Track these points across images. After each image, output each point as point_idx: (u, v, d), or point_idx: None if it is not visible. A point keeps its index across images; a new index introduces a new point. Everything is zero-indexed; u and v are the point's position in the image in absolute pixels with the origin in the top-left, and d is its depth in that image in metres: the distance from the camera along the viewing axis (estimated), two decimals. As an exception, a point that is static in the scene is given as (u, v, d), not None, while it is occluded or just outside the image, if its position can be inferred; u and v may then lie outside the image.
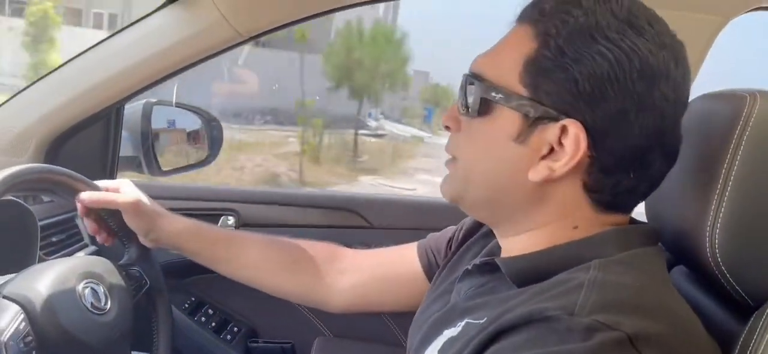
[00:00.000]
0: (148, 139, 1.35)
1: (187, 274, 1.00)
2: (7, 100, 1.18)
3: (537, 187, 0.60)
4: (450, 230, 0.89)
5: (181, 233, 0.94)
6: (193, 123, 1.49)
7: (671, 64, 0.57)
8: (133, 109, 1.32)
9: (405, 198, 1.42)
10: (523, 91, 0.59)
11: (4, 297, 0.75)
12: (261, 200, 1.33)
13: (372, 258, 0.97)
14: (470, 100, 0.62)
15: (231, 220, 1.30)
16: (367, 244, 1.29)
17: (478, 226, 0.82)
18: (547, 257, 0.61)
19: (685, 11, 0.83)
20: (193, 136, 1.50)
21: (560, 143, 0.58)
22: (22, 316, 0.73)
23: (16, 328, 0.72)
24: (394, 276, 0.93)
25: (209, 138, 1.47)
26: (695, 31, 0.63)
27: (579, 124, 0.56)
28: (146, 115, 1.34)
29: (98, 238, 0.94)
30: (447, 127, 0.67)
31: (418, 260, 0.91)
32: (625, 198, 0.61)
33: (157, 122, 1.37)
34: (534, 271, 0.60)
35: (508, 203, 0.63)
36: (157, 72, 1.10)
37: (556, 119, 0.57)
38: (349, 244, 1.26)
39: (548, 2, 0.59)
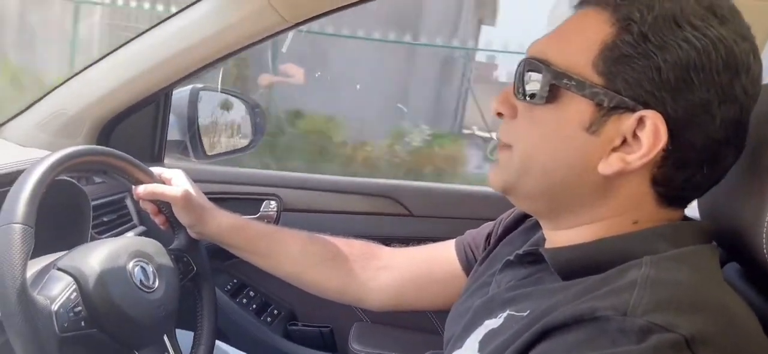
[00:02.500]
0: (194, 124, 1.39)
1: (230, 257, 1.02)
2: (62, 84, 1.22)
3: (604, 180, 0.57)
4: (488, 226, 0.88)
5: (224, 229, 0.96)
6: (237, 109, 1.52)
7: (751, 56, 0.55)
8: (180, 94, 1.36)
9: (444, 186, 1.41)
10: (597, 79, 0.56)
11: (58, 269, 0.78)
12: (303, 186, 1.34)
13: (410, 256, 0.97)
14: (533, 86, 0.59)
15: (273, 204, 1.32)
16: (406, 232, 1.30)
17: (518, 221, 0.81)
18: (595, 250, 0.58)
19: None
20: (236, 122, 1.54)
21: (634, 135, 0.55)
22: (74, 287, 0.77)
23: (68, 297, 0.75)
24: (432, 274, 0.93)
25: (252, 124, 1.50)
26: (757, 19, 0.60)
27: (659, 116, 0.54)
28: (193, 100, 1.38)
29: (157, 221, 0.98)
30: (499, 114, 0.64)
31: (456, 258, 0.91)
32: (690, 193, 0.59)
33: (203, 107, 1.40)
34: (581, 263, 0.58)
35: (570, 195, 0.60)
36: (205, 58, 1.13)
37: (632, 109, 0.54)
38: (388, 232, 1.27)
39: None
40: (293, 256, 0.97)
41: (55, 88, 1.22)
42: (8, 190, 0.75)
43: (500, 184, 0.65)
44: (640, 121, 0.54)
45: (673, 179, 0.57)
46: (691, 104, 0.53)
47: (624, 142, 0.56)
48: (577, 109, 0.57)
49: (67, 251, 0.84)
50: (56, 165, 0.78)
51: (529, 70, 0.60)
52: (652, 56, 0.53)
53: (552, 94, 0.58)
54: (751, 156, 0.61)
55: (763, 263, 0.59)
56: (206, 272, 1.00)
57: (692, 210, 0.65)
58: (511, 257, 0.69)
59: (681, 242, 0.57)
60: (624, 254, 0.56)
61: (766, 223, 0.57)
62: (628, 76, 0.54)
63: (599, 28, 0.56)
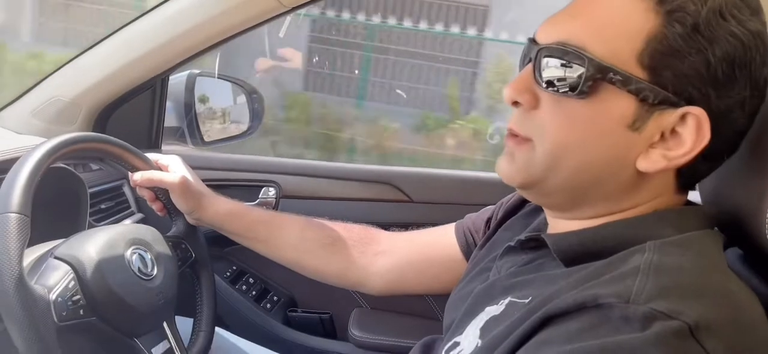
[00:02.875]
0: (192, 110, 1.37)
1: (230, 243, 1.02)
2: (57, 70, 1.21)
3: (638, 175, 0.56)
4: (488, 210, 0.87)
5: (223, 215, 0.96)
6: (235, 94, 1.51)
7: None
8: (177, 81, 1.34)
9: (444, 172, 1.40)
10: (641, 73, 0.53)
11: (55, 257, 0.78)
12: (302, 172, 1.34)
13: (409, 240, 0.96)
14: (564, 75, 0.54)
15: (272, 191, 1.32)
16: (405, 218, 1.29)
17: (518, 205, 0.80)
18: (598, 235, 0.57)
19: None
20: (234, 108, 1.52)
21: (673, 130, 0.53)
22: (72, 275, 0.76)
23: (65, 286, 0.75)
24: (431, 258, 0.92)
25: (250, 110, 1.49)
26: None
27: (704, 112, 0.52)
28: (190, 86, 1.36)
29: (154, 207, 0.97)
30: (515, 103, 0.59)
31: (456, 242, 0.90)
32: (702, 180, 0.59)
33: (200, 93, 1.39)
34: (584, 249, 0.57)
35: (598, 191, 0.58)
36: (201, 42, 1.11)
37: (676, 105, 0.53)
38: (387, 218, 1.27)
39: None
40: (292, 241, 0.97)
41: (50, 74, 1.21)
42: (3, 179, 0.75)
43: (518, 180, 0.61)
44: (683, 118, 0.53)
45: (699, 170, 0.56)
46: (732, 100, 0.52)
47: (662, 137, 0.54)
48: (619, 104, 0.53)
49: (64, 239, 0.83)
50: (51, 152, 0.78)
51: (558, 58, 0.55)
52: (703, 50, 0.51)
53: (593, 88, 0.53)
54: (753, 141, 0.60)
55: (765, 248, 0.58)
56: (205, 259, 0.99)
57: (693, 194, 0.65)
58: (513, 243, 0.67)
59: (685, 227, 0.56)
60: (627, 239, 0.55)
61: (767, 209, 0.57)
62: (677, 70, 0.52)
63: (644, 17, 0.52)
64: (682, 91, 0.52)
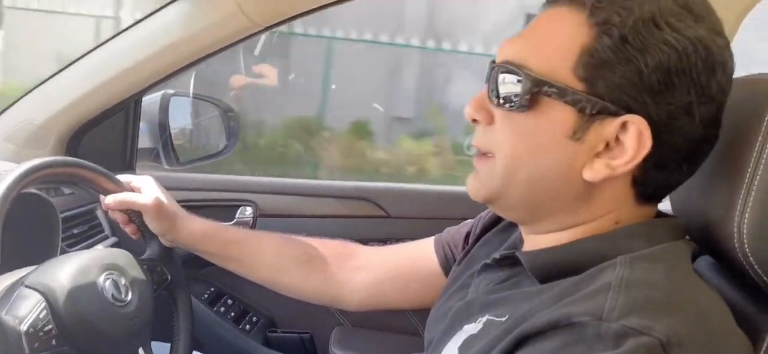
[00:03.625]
0: (166, 131, 1.36)
1: (207, 264, 1.01)
2: (28, 93, 1.19)
3: (588, 185, 0.57)
4: (467, 224, 0.88)
5: (197, 235, 0.95)
6: (210, 114, 1.50)
7: (726, 52, 0.55)
8: (151, 101, 1.33)
9: (422, 187, 1.41)
10: (578, 85, 0.55)
11: (26, 286, 0.76)
12: (278, 190, 1.33)
13: (387, 255, 0.96)
14: (511, 91, 0.57)
15: (248, 211, 1.31)
16: (384, 234, 1.29)
17: (497, 220, 0.80)
18: (570, 252, 0.58)
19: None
20: (210, 127, 1.51)
21: (617, 139, 0.55)
22: (44, 304, 0.74)
23: (37, 316, 0.73)
24: (410, 273, 0.92)
25: (226, 129, 1.48)
26: (723, 12, 0.61)
27: (643, 120, 0.53)
28: (164, 106, 1.35)
29: (128, 230, 0.96)
30: (474, 121, 0.62)
31: (435, 256, 0.90)
32: (667, 190, 0.59)
33: (175, 113, 1.37)
34: (557, 266, 0.58)
35: (554, 203, 0.60)
36: (175, 63, 1.11)
37: (615, 114, 0.54)
38: (366, 234, 1.27)
39: None
40: (267, 259, 0.96)
41: (22, 97, 1.19)
42: None
43: (482, 194, 0.63)
44: (623, 126, 0.54)
45: (654, 179, 0.57)
46: (673, 107, 0.53)
47: (606, 146, 0.55)
48: (559, 116, 0.56)
49: (35, 267, 0.81)
50: (20, 179, 0.76)
51: (504, 73, 0.58)
52: (633, 60, 0.53)
53: (532, 101, 0.56)
54: (721, 150, 0.62)
55: (735, 255, 0.60)
56: (181, 281, 0.98)
57: (664, 204, 0.66)
58: (488, 260, 0.68)
59: (655, 240, 0.57)
60: (599, 255, 0.56)
61: (736, 217, 0.58)
62: (609, 81, 0.53)
63: (577, 31, 0.55)
64: (619, 101, 0.54)
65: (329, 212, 1.32)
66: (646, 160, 0.55)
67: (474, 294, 0.68)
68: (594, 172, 0.56)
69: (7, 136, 1.16)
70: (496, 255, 0.68)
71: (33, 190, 0.96)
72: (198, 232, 0.95)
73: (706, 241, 0.67)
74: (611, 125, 0.54)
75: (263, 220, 1.31)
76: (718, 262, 0.70)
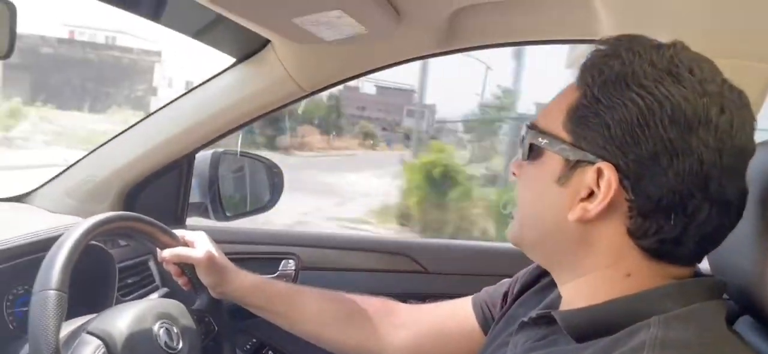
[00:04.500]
0: (215, 186, 1.43)
1: (250, 316, 1.04)
2: (91, 152, 1.28)
3: (580, 229, 0.62)
4: (505, 283, 0.90)
5: (246, 288, 0.99)
6: (255, 170, 1.57)
7: (713, 110, 0.56)
8: (202, 157, 1.41)
9: (459, 243, 1.43)
10: (566, 137, 0.62)
11: (88, 332, 0.81)
12: (319, 244, 1.37)
13: (427, 312, 0.98)
14: (524, 147, 0.66)
15: (291, 263, 1.35)
16: (421, 289, 1.31)
17: (534, 279, 0.82)
18: (605, 311, 0.60)
19: (738, 59, 0.83)
20: (255, 183, 1.58)
21: (598, 186, 0.59)
22: (104, 350, 0.79)
23: None
24: (449, 331, 0.93)
25: (270, 185, 1.54)
26: (751, 79, 0.63)
27: (611, 167, 0.58)
28: (214, 163, 1.42)
29: (180, 282, 1.01)
30: (514, 174, 0.71)
31: (473, 315, 0.92)
32: (671, 247, 0.60)
33: (224, 170, 1.45)
34: (592, 326, 0.60)
35: (555, 246, 0.65)
36: (227, 124, 1.19)
37: (592, 163, 0.59)
38: (404, 289, 1.29)
39: (591, 56, 0.62)
40: (311, 314, 0.99)
41: (84, 156, 1.28)
42: (43, 255, 0.79)
43: (510, 237, 0.71)
44: (600, 173, 0.59)
45: (645, 230, 0.59)
46: (641, 157, 0.57)
47: (591, 194, 0.60)
48: (550, 164, 0.63)
49: (95, 315, 0.87)
50: (89, 231, 0.83)
51: (526, 134, 0.67)
52: (601, 115, 0.58)
53: (534, 152, 0.65)
54: (755, 209, 0.63)
55: None
56: (227, 332, 1.02)
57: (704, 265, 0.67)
58: (526, 319, 0.70)
59: (688, 299, 0.58)
60: (634, 314, 0.58)
61: None
62: (586, 133, 0.60)
63: (571, 94, 0.62)
64: (596, 151, 0.59)
65: (368, 266, 1.35)
66: (630, 208, 0.58)
67: (513, 351, 0.70)
68: (573, 212, 0.61)
69: (68, 191, 1.25)
70: (533, 314, 0.70)
71: (94, 242, 1.03)
72: (246, 285, 0.99)
73: (745, 302, 0.67)
74: (589, 172, 0.60)
75: (305, 272, 1.35)
76: (757, 323, 0.70)
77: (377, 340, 0.96)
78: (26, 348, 0.84)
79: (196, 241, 1.00)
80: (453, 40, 1.05)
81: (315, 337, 1.00)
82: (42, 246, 0.92)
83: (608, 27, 0.85)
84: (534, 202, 0.67)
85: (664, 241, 0.59)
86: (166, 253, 0.97)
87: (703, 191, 0.57)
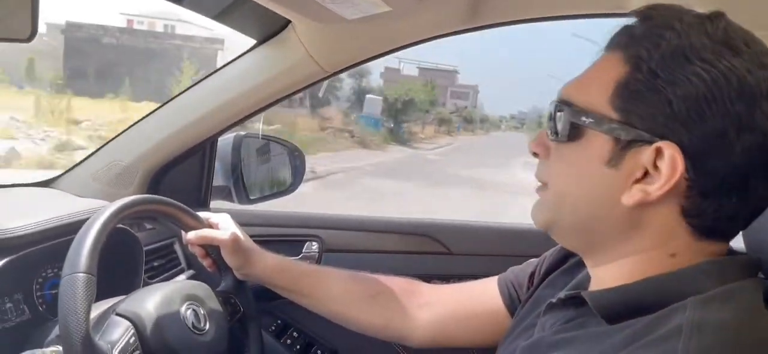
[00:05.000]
0: (238, 170, 1.44)
1: (275, 297, 1.05)
2: (115, 137, 1.30)
3: (632, 212, 0.59)
4: (531, 264, 0.89)
5: (270, 270, 1.00)
6: (278, 153, 1.57)
7: None
8: (225, 142, 1.41)
9: (484, 224, 1.42)
10: (613, 115, 0.58)
11: (117, 314, 0.82)
12: (343, 226, 1.37)
13: (452, 292, 0.98)
14: (559, 126, 0.62)
15: (315, 246, 1.36)
16: (445, 270, 1.30)
17: (561, 259, 0.81)
18: (638, 291, 0.59)
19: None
20: (277, 166, 1.58)
21: (655, 166, 0.56)
22: (133, 331, 0.81)
23: (127, 341, 0.79)
24: (474, 311, 0.93)
25: (292, 167, 1.54)
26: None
27: (675, 146, 0.55)
28: (236, 147, 1.43)
29: (205, 263, 1.02)
30: (535, 154, 0.68)
31: (499, 295, 0.91)
32: (726, 224, 0.58)
33: (246, 153, 1.45)
34: (625, 306, 0.58)
35: (601, 229, 0.62)
36: (249, 107, 1.19)
37: (649, 142, 0.56)
38: (427, 270, 1.28)
39: (639, 27, 0.59)
40: (335, 294, 0.99)
41: (109, 141, 1.30)
42: (71, 238, 0.80)
43: (541, 222, 0.67)
44: (659, 153, 0.56)
45: (703, 209, 0.57)
46: (706, 134, 0.55)
47: (646, 174, 0.57)
48: (597, 144, 0.60)
49: (124, 296, 0.88)
50: (116, 214, 0.83)
51: (557, 111, 0.63)
52: (662, 91, 0.55)
53: (574, 132, 0.61)
54: None
55: None
56: (253, 313, 1.03)
57: (738, 242, 0.65)
58: (554, 300, 0.69)
59: (725, 278, 0.56)
60: (667, 295, 0.56)
61: None
62: (641, 110, 0.57)
63: (614, 68, 0.59)
64: (653, 129, 0.56)
65: (391, 248, 1.35)
66: (689, 188, 0.56)
67: (540, 333, 0.69)
68: (630, 196, 0.58)
69: (94, 175, 1.27)
70: (561, 295, 0.68)
71: (121, 226, 1.04)
72: (271, 266, 1.00)
73: (782, 280, 0.65)
74: (646, 152, 0.57)
75: (328, 254, 1.35)
76: None
77: (402, 320, 0.96)
78: (55, 330, 0.86)
79: (220, 223, 1.00)
80: (476, 16, 1.03)
81: (340, 318, 1.00)
82: (70, 229, 0.93)
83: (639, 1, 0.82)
84: (576, 185, 0.63)
85: (719, 220, 0.58)
86: (191, 235, 0.98)
87: (764, 166, 0.56)
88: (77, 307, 0.73)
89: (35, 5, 0.63)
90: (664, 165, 0.56)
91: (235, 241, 0.97)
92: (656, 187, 0.57)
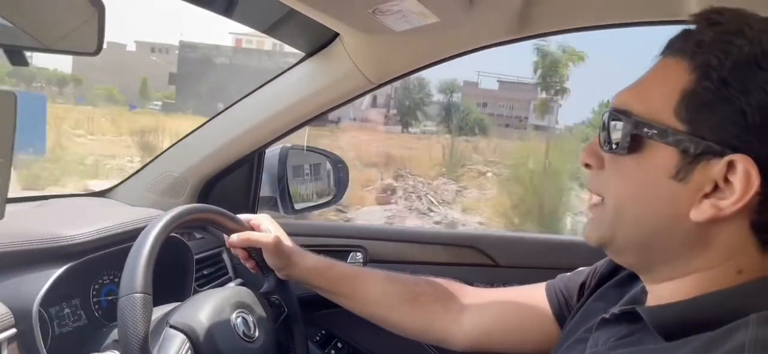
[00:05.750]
0: (283, 181, 1.46)
1: (319, 308, 1.06)
2: (167, 149, 1.34)
3: (699, 229, 0.56)
4: (582, 274, 0.86)
5: (311, 270, 1.00)
6: (322, 165, 1.59)
7: None
8: (271, 153, 1.44)
9: (531, 235, 1.40)
10: (679, 126, 0.56)
11: (171, 326, 0.84)
12: (387, 237, 1.37)
13: (497, 296, 0.95)
14: (617, 136, 0.60)
15: (359, 256, 1.36)
16: (491, 283, 1.28)
17: (613, 271, 0.78)
18: (697, 307, 0.56)
19: None
20: (321, 178, 1.60)
21: (726, 180, 0.54)
22: (188, 344, 0.82)
23: None
24: (520, 316, 0.91)
25: (336, 179, 1.56)
26: None
27: (749, 159, 0.53)
28: (282, 158, 1.45)
29: (247, 265, 1.03)
30: (587, 165, 0.65)
31: (547, 302, 0.88)
32: None
33: (291, 165, 1.48)
34: (683, 322, 0.56)
35: (665, 246, 0.59)
36: (296, 119, 1.20)
37: (720, 154, 0.54)
38: (474, 283, 1.26)
39: (707, 33, 0.56)
40: (375, 296, 0.99)
41: (161, 153, 1.34)
42: (128, 246, 0.82)
43: (595, 238, 0.64)
44: (730, 166, 0.53)
45: None
46: None
47: (715, 188, 0.55)
48: (661, 157, 0.57)
49: (176, 305, 0.90)
50: (166, 227, 0.85)
51: (613, 120, 0.60)
52: (734, 101, 0.53)
53: (635, 144, 0.58)
54: None
55: None
56: (296, 312, 1.04)
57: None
58: (607, 315, 0.67)
59: None
60: (728, 311, 0.54)
61: None
62: (711, 121, 0.54)
63: (679, 76, 0.56)
64: (724, 141, 0.53)
65: (436, 259, 1.34)
66: (762, 203, 0.53)
67: (593, 349, 0.67)
68: (700, 212, 0.55)
69: (147, 186, 1.31)
70: (615, 310, 0.66)
71: (173, 235, 1.07)
72: (311, 267, 1.00)
73: None
74: (717, 165, 0.54)
75: (372, 265, 1.35)
76: None
77: (443, 323, 0.94)
78: (111, 335, 0.88)
79: (261, 224, 1.01)
80: (526, 26, 1.02)
81: (380, 319, 0.99)
82: (126, 237, 0.96)
83: (697, 5, 0.80)
84: (638, 200, 0.60)
85: None
86: (233, 238, 0.99)
87: None
88: (136, 327, 0.74)
89: (101, 21, 0.65)
90: (736, 179, 0.53)
91: (276, 243, 0.98)
92: (730, 202, 0.54)
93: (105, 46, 0.68)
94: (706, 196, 0.55)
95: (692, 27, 0.58)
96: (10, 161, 0.67)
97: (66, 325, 0.96)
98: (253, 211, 1.40)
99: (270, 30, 1.10)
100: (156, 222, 0.85)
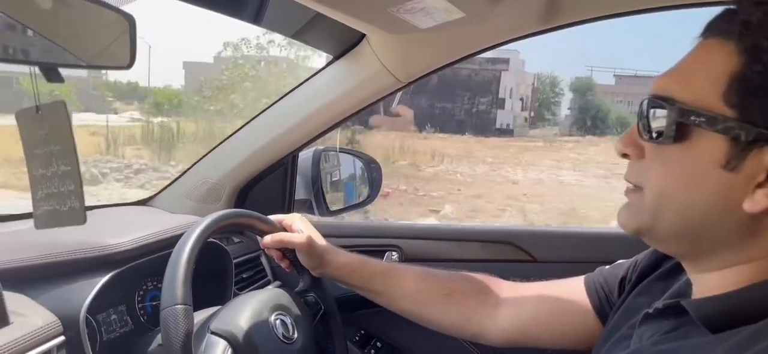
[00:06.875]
0: (318, 183, 1.48)
1: (356, 308, 1.06)
2: (204, 156, 1.37)
3: (751, 219, 0.54)
4: (622, 267, 0.84)
5: (344, 268, 1.01)
6: (355, 166, 1.60)
7: None
8: (305, 156, 1.46)
9: (569, 230, 1.37)
10: (729, 112, 0.53)
11: (212, 332, 0.85)
12: (423, 235, 1.37)
13: (534, 290, 0.94)
14: (660, 124, 0.57)
15: (395, 255, 1.36)
16: (529, 278, 1.26)
17: (655, 264, 0.76)
18: (742, 299, 0.55)
19: None
20: (356, 178, 1.61)
21: None
22: (230, 351, 0.83)
23: None
24: (559, 310, 0.89)
25: (369, 179, 1.56)
26: None
27: None
28: (316, 161, 1.47)
29: (282, 265, 1.05)
30: (625, 155, 0.63)
31: (586, 296, 0.86)
32: None
33: (325, 167, 1.49)
34: (729, 315, 0.54)
35: (713, 236, 0.57)
36: (328, 121, 1.22)
37: None
38: (511, 278, 1.25)
39: (754, 14, 0.53)
40: (409, 293, 0.98)
41: (198, 161, 1.37)
42: (169, 252, 0.84)
43: (633, 226, 0.62)
44: None
45: None
46: None
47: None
48: (710, 145, 0.54)
49: (216, 309, 0.91)
50: (207, 228, 0.87)
51: (653, 108, 0.58)
52: None
53: (681, 133, 0.56)
54: None
55: None
56: (333, 308, 1.05)
57: None
58: (651, 310, 0.65)
59: None
60: None
61: None
62: (764, 107, 0.51)
63: (725, 59, 0.53)
64: None
65: (473, 256, 1.33)
66: None
67: (638, 344, 0.65)
68: (754, 203, 0.53)
69: (186, 193, 1.34)
70: (659, 304, 0.64)
71: (212, 240, 1.09)
72: (344, 265, 1.01)
73: None
74: None
75: (408, 264, 1.35)
76: None
77: (479, 318, 0.93)
78: (157, 339, 0.91)
79: (293, 224, 1.02)
80: (553, 16, 0.99)
81: (414, 315, 0.99)
82: (168, 243, 0.99)
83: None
84: (684, 191, 0.57)
85: None
86: (267, 239, 0.99)
87: None
88: (179, 339, 0.76)
89: (133, 35, 0.67)
90: None
91: (309, 242, 0.99)
92: None
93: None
94: (760, 185, 0.53)
95: (734, 7, 0.56)
96: (77, 166, 0.70)
97: (113, 331, 1.00)
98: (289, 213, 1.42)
99: (297, 35, 1.12)
100: (191, 231, 0.86)
